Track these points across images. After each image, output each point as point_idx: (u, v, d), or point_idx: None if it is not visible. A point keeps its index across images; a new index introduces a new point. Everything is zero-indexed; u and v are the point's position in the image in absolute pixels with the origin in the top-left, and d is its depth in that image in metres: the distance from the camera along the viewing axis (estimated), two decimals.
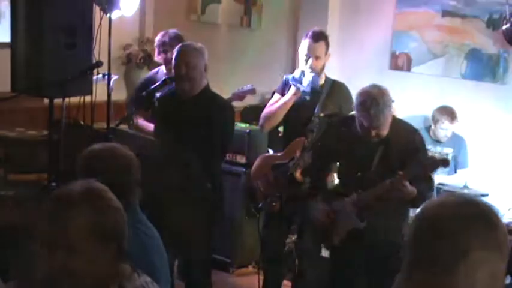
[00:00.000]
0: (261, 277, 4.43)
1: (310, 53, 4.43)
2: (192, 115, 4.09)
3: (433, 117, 5.44)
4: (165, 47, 5.14)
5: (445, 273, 1.47)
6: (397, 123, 3.83)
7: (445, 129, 5.36)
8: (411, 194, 3.61)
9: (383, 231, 3.77)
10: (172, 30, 5.27)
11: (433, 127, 5.44)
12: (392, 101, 3.76)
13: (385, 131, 3.71)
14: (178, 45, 4.31)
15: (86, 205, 1.94)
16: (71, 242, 1.92)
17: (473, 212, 1.51)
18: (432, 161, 3.72)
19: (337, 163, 3.86)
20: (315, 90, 4.45)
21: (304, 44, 4.47)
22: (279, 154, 4.57)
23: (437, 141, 5.44)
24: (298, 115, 4.47)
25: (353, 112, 3.83)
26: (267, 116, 4.59)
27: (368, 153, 3.76)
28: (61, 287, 1.96)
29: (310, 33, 4.46)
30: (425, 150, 3.96)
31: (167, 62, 5.06)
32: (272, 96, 4.69)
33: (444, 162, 3.68)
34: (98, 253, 1.95)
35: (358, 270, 3.86)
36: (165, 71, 5.16)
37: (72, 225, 1.92)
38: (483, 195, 5.07)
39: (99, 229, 1.94)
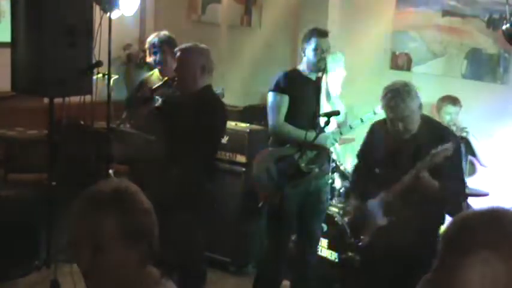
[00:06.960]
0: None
1: None
2: (184, 114, 4.06)
3: (437, 107, 5.40)
4: (154, 49, 5.04)
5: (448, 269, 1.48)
6: (427, 120, 3.83)
7: (449, 112, 5.32)
8: (432, 188, 3.57)
9: (403, 232, 3.66)
10: (163, 32, 5.14)
11: (437, 118, 5.40)
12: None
13: (412, 126, 3.71)
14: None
15: (115, 205, 1.96)
16: (99, 241, 1.94)
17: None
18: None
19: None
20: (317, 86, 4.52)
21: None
22: (281, 148, 4.46)
23: None
24: (303, 111, 4.47)
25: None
26: (282, 136, 4.43)
27: (398, 151, 3.77)
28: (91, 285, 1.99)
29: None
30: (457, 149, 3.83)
31: (157, 64, 5.04)
32: (276, 97, 4.46)
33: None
34: (125, 254, 1.96)
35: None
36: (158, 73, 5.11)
37: (101, 225, 1.94)
38: (483, 195, 5.08)
39: (127, 230, 1.95)
